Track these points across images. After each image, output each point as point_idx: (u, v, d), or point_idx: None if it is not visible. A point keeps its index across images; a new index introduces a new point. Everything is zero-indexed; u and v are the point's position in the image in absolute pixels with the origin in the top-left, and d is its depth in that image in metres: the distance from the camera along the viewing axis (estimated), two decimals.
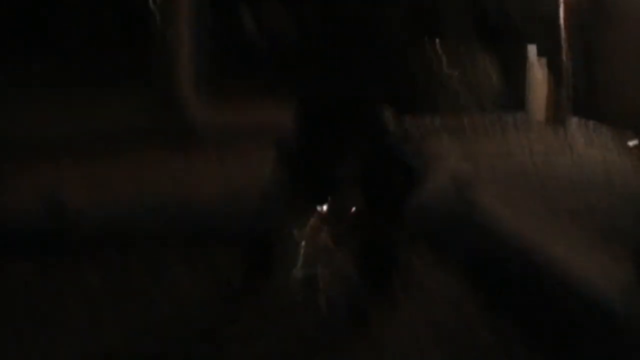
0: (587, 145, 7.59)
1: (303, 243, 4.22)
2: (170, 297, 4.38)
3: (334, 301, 4.19)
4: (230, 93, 9.57)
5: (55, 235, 5.06)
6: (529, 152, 7.30)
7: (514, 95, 9.27)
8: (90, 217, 5.23)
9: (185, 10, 8.14)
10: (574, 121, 8.49)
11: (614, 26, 8.80)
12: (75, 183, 5.88)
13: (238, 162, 6.74)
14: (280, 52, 10.90)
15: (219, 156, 6.98)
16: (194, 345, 3.84)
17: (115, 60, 10.92)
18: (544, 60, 8.84)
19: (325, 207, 4.20)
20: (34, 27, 11.11)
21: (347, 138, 4.10)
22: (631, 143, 7.24)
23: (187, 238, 5.11)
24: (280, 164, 4.27)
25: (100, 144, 7.21)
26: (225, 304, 4.25)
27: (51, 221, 5.12)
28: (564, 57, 8.56)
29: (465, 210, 5.30)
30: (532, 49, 9.21)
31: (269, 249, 4.41)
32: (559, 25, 8.57)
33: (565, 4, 8.58)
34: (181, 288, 4.50)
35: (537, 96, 8.91)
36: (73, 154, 6.87)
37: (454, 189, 5.40)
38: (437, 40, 9.19)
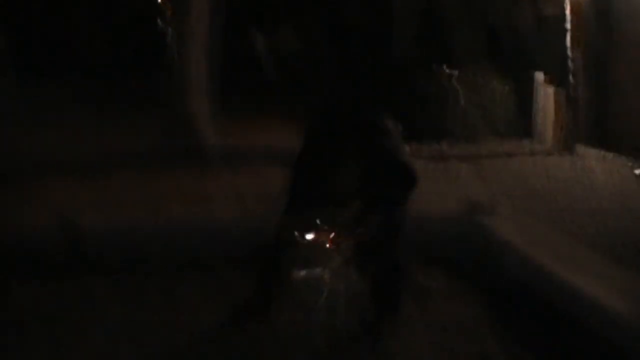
0: (600, 172, 7.60)
1: (303, 244, 4.21)
2: (183, 318, 4.36)
3: (334, 302, 4.20)
4: (241, 114, 9.65)
5: (69, 256, 5.07)
6: (544, 178, 7.32)
7: (525, 120, 9.31)
8: (102, 238, 5.23)
9: (199, 32, 8.20)
10: (583, 147, 8.52)
11: (626, 54, 8.85)
12: (89, 204, 5.90)
13: (249, 182, 6.77)
14: (291, 74, 11.03)
15: (230, 176, 7.01)
16: None
17: (128, 82, 11.02)
18: (553, 87, 8.89)
19: (325, 210, 4.19)
20: (48, 51, 11.22)
21: (349, 144, 4.12)
22: (637, 171, 7.26)
23: (199, 258, 5.11)
24: (292, 180, 4.29)
25: (113, 165, 7.25)
26: (236, 324, 4.23)
27: (65, 242, 5.12)
28: (574, 85, 8.60)
29: (480, 236, 5.31)
30: (539, 76, 9.27)
31: (278, 268, 4.40)
32: (567, 51, 8.62)
33: (574, 31, 8.63)
34: (194, 308, 4.49)
35: (546, 122, 8.94)
36: (85, 174, 6.91)
37: (469, 215, 5.40)
38: (450, 67, 9.27)
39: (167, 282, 4.86)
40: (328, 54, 11.59)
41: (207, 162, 7.35)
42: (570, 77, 8.60)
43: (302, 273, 4.22)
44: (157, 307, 4.54)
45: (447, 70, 9.28)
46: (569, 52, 8.61)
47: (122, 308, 4.50)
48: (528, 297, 4.58)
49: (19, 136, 7.59)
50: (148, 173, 7.05)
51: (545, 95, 9.07)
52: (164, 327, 4.28)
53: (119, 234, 5.26)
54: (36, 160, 7.17)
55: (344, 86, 9.75)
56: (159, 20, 8.57)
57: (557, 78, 8.80)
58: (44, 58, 11.05)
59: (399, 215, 4.14)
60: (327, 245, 4.10)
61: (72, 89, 10.44)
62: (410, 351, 4.03)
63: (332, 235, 4.08)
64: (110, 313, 4.43)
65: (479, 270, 5.00)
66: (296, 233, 4.10)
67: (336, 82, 10.09)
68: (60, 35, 11.74)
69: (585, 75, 8.78)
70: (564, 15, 8.63)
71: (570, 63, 8.62)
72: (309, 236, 4.11)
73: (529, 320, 4.35)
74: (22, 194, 6.07)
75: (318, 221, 4.10)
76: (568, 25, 8.60)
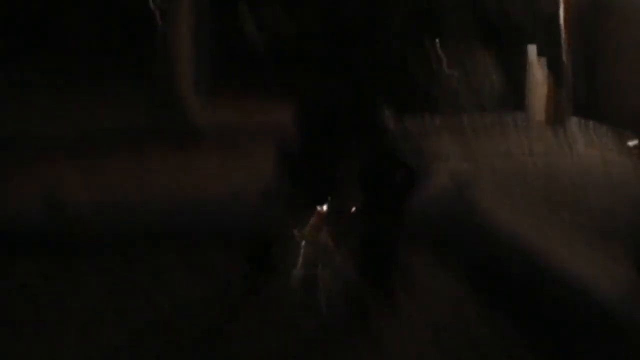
0: (587, 145, 7.59)
1: (303, 242, 4.22)
2: (171, 298, 4.36)
3: (334, 300, 4.19)
4: (230, 93, 9.60)
5: (55, 235, 5.06)
6: (529, 152, 7.31)
7: (515, 95, 9.28)
8: (90, 217, 5.23)
9: (186, 10, 8.15)
10: (573, 121, 8.50)
11: (615, 27, 8.80)
12: (76, 183, 5.89)
13: (238, 162, 6.75)
14: (280, 52, 10.97)
15: (218, 156, 6.99)
16: (194, 345, 3.82)
17: (116, 60, 10.94)
18: (544, 60, 8.85)
19: (325, 207, 4.19)
20: (35, 28, 11.13)
21: (347, 138, 4.10)
22: (631, 143, 7.24)
23: (187, 238, 5.10)
24: (281, 164, 4.27)
25: (101, 144, 7.22)
26: (225, 305, 4.23)
27: (51, 222, 5.11)
28: (564, 58, 8.57)
29: (465, 210, 5.30)
30: (532, 49, 9.22)
31: (268, 248, 4.41)
32: (559, 25, 8.57)
33: (566, 4, 8.58)
34: (181, 288, 4.49)
35: (537, 96, 8.92)
36: (73, 154, 6.88)
37: (454, 188, 5.39)
38: (438, 41, 9.21)
39: (154, 260, 4.86)
40: (319, 32, 11.52)
41: (195, 141, 7.34)
42: (562, 51, 8.56)
43: (300, 271, 4.23)
44: (144, 285, 4.54)
45: (436, 43, 9.23)
46: (561, 26, 8.57)
47: (108, 287, 4.51)
48: (512, 270, 4.59)
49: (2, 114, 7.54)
50: (135, 152, 7.04)
51: (537, 68, 9.04)
52: (151, 305, 4.28)
53: (105, 213, 5.25)
54: (21, 139, 7.15)
55: (336, 66, 9.73)
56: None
57: (549, 51, 8.76)
58: (28, 37, 10.94)
59: (397, 210, 4.15)
60: (322, 235, 4.12)
61: (58, 67, 10.37)
62: (399, 332, 4.04)
63: (327, 226, 4.10)
64: (97, 292, 4.44)
65: (463, 244, 5.00)
66: (294, 229, 4.13)
67: (328, 61, 10.05)
68: (45, 15, 11.65)
69: (576, 47, 8.75)
70: None
71: (562, 36, 8.58)
72: (307, 232, 4.13)
73: (513, 293, 4.36)
74: (7, 173, 6.06)
75: (317, 217, 4.11)
76: None
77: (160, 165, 6.56)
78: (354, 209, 4.18)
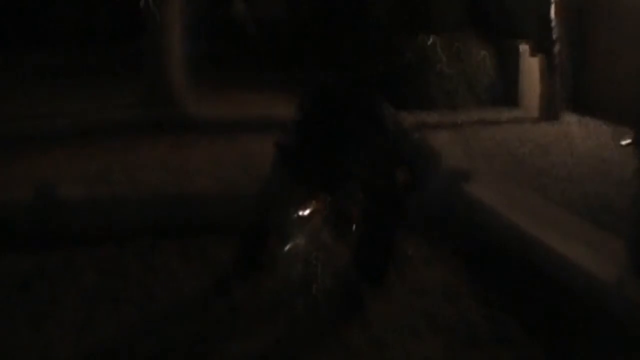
0: (582, 140, 7.60)
1: (301, 236, 4.21)
2: (166, 291, 4.33)
3: (331, 294, 4.18)
4: (220, 82, 9.61)
5: (48, 228, 5.02)
6: (526, 145, 7.32)
7: (510, 89, 9.29)
8: (84, 209, 5.19)
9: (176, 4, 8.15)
10: (568, 116, 8.52)
11: (608, 23, 8.83)
12: (68, 176, 5.86)
13: (230, 153, 6.74)
14: (271, 40, 10.90)
15: (211, 147, 6.98)
16: (191, 340, 3.80)
17: (107, 53, 10.93)
18: (538, 57, 8.85)
19: (324, 202, 4.19)
20: (26, 22, 11.11)
21: (347, 134, 4.10)
22: (624, 142, 7.24)
23: (182, 230, 5.07)
24: (280, 160, 4.26)
25: (93, 136, 7.20)
26: (221, 297, 4.21)
27: (44, 214, 5.08)
28: (558, 53, 8.57)
29: (461, 202, 5.31)
30: (526, 46, 9.23)
31: (264, 240, 4.40)
32: (552, 22, 8.58)
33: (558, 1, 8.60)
34: (177, 281, 4.46)
35: (531, 92, 8.92)
36: (65, 146, 6.86)
37: (450, 181, 5.39)
38: (433, 37, 9.22)
39: (146, 251, 4.83)
40: (310, 19, 11.54)
41: (186, 131, 7.33)
42: (555, 46, 8.57)
43: (290, 244, 4.22)
44: (135, 276, 4.51)
45: (431, 39, 9.23)
46: (553, 20, 8.57)
47: (100, 277, 4.47)
48: (508, 260, 4.59)
49: None
50: (126, 142, 7.02)
51: (530, 63, 9.05)
52: (143, 295, 4.25)
53: (98, 204, 5.22)
54: (13, 131, 7.12)
55: (329, 55, 9.77)
56: None
57: (542, 46, 8.76)
58: (19, 29, 10.94)
59: (397, 208, 4.15)
60: (316, 218, 4.11)
61: (49, 59, 10.37)
62: (391, 317, 4.02)
63: (322, 209, 4.09)
64: (89, 282, 4.40)
65: (459, 235, 5.00)
66: (293, 223, 4.12)
67: (321, 50, 10.09)
68: (36, 5, 11.63)
69: (569, 43, 8.76)
70: None
71: (554, 31, 8.58)
72: (300, 210, 4.11)
73: (508, 282, 4.36)
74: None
75: (316, 211, 4.11)
76: None
77: (153, 157, 6.55)
78: (352, 206, 4.18)
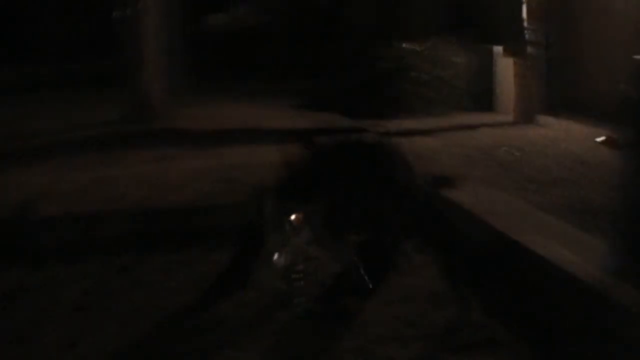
0: (560, 141, 7.67)
1: (290, 241, 4.22)
2: (151, 306, 4.30)
3: (320, 295, 4.20)
4: (199, 96, 9.61)
5: (27, 242, 4.98)
6: (504, 147, 7.38)
7: (487, 94, 9.37)
8: (63, 223, 5.15)
9: (154, 13, 8.14)
10: (544, 117, 8.59)
11: (582, 23, 8.93)
12: (48, 189, 5.82)
13: (211, 162, 6.73)
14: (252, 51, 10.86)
15: (193, 160, 6.96)
16: (176, 354, 3.79)
17: (87, 66, 10.90)
18: (513, 59, 8.93)
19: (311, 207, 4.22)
20: (4, 35, 11.03)
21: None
22: (599, 139, 7.33)
23: (165, 241, 5.06)
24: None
25: (73, 149, 7.16)
26: (207, 307, 4.20)
27: (24, 228, 5.03)
28: (532, 56, 8.65)
29: (439, 205, 5.33)
30: (500, 49, 9.31)
31: (251, 249, 4.41)
32: (524, 24, 8.66)
33: (530, 2, 8.67)
34: (161, 296, 4.43)
35: (507, 94, 9.00)
36: (45, 162, 6.81)
37: (430, 187, 5.41)
38: (410, 42, 9.29)
39: (129, 266, 4.80)
40: (287, 30, 11.58)
41: (165, 145, 7.31)
42: (529, 48, 8.64)
43: (284, 249, 4.22)
44: (119, 291, 4.47)
45: (408, 45, 9.29)
46: (526, 24, 8.65)
47: (83, 293, 4.43)
48: (491, 264, 4.60)
49: None
50: (109, 156, 6.98)
51: (505, 66, 9.12)
52: (126, 311, 4.22)
53: (76, 219, 5.18)
54: None
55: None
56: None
57: (516, 49, 8.84)
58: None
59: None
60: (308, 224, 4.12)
61: (31, 72, 10.33)
62: (378, 321, 4.04)
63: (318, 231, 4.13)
64: (71, 298, 4.37)
65: (442, 240, 5.02)
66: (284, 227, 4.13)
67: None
68: (15, 18, 11.61)
69: (543, 46, 8.84)
70: None
71: (528, 34, 8.66)
72: (294, 215, 4.12)
73: (492, 287, 4.38)
74: None
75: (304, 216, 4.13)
76: None
77: (134, 169, 6.52)
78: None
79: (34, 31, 11.69)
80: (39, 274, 4.69)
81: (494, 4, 9.57)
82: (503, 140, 7.71)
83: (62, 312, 4.21)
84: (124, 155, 7.09)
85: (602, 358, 3.59)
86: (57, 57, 10.99)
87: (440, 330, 3.98)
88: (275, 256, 4.23)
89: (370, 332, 3.93)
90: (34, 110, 8.85)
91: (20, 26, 11.61)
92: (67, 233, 5.10)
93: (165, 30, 8.37)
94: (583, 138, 7.67)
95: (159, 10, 8.23)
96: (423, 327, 4.00)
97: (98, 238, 5.09)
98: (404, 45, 9.28)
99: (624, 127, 4.04)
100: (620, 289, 3.76)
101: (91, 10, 11.80)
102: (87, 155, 7.09)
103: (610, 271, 3.94)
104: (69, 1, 12.11)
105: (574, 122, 8.33)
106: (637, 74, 3.90)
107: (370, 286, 4.32)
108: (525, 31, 8.65)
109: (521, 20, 8.63)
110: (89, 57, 10.96)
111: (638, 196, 3.90)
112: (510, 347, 3.80)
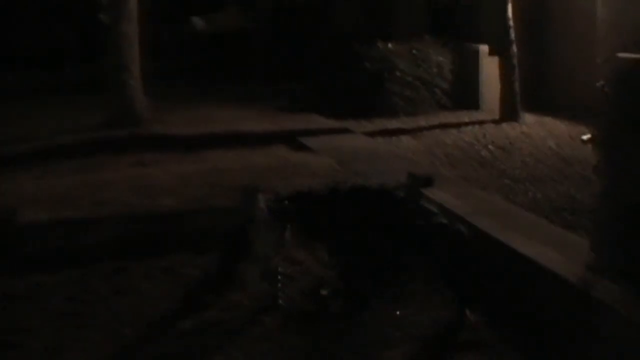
0: (542, 139, 7.71)
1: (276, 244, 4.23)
2: (134, 313, 4.28)
3: (307, 301, 4.21)
4: (180, 100, 9.58)
5: (9, 251, 4.95)
6: (487, 147, 7.40)
7: (470, 92, 9.39)
8: (46, 231, 5.13)
9: (134, 18, 8.13)
10: (527, 116, 8.62)
11: (560, 22, 8.97)
12: (32, 195, 5.79)
13: (196, 166, 6.72)
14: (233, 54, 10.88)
15: (177, 161, 6.95)
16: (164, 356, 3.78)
17: (70, 72, 10.86)
18: (497, 58, 8.96)
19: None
20: None
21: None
22: (584, 137, 7.36)
23: (150, 248, 5.04)
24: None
25: (56, 157, 7.13)
26: (193, 312, 4.20)
27: (7, 234, 5.01)
28: (516, 55, 8.68)
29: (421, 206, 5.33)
30: (483, 49, 9.34)
31: (237, 253, 4.41)
32: (509, 24, 8.68)
33: (514, 2, 8.70)
34: (144, 302, 4.41)
35: (491, 93, 9.02)
36: (28, 168, 6.78)
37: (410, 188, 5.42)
38: (394, 42, 9.30)
39: (112, 273, 4.77)
40: (271, 32, 11.59)
41: (149, 149, 7.29)
42: (513, 47, 8.67)
43: (270, 253, 4.22)
44: (102, 299, 4.45)
45: (391, 46, 9.30)
46: (510, 23, 8.67)
47: (66, 301, 4.42)
48: (476, 264, 4.61)
49: None
50: (92, 164, 6.96)
51: (489, 65, 9.15)
52: (110, 318, 4.20)
53: (61, 225, 5.16)
54: None
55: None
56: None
57: (500, 48, 8.86)
58: None
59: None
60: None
61: (15, 79, 10.28)
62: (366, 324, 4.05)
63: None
64: (56, 304, 4.35)
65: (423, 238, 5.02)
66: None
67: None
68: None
69: (526, 45, 8.87)
70: None
71: (512, 33, 8.68)
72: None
73: (478, 287, 4.38)
74: None
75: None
76: None
77: (119, 176, 6.50)
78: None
79: (18, 37, 11.66)
80: (23, 280, 4.66)
81: (479, 3, 9.61)
82: (487, 139, 7.74)
83: (47, 319, 4.18)
84: (107, 161, 7.07)
85: (585, 355, 3.61)
86: (39, 64, 10.95)
87: (428, 331, 3.99)
88: (261, 260, 4.23)
89: (358, 334, 3.94)
90: (18, 116, 8.80)
91: (4, 32, 11.55)
92: (51, 239, 5.07)
93: (147, 34, 8.35)
94: (567, 136, 7.71)
95: (141, 15, 8.21)
96: (412, 328, 4.01)
97: (82, 244, 5.05)
98: (388, 45, 9.29)
99: (601, 124, 4.07)
100: (601, 285, 3.78)
101: (75, 16, 11.78)
102: (71, 160, 7.06)
103: (592, 268, 3.96)
104: (52, 6, 12.08)
105: (559, 121, 8.36)
106: (617, 71, 3.92)
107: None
108: (511, 30, 8.67)
109: (507, 19, 8.65)
110: (73, 63, 10.95)
111: (616, 192, 3.92)
112: (494, 348, 3.81)
